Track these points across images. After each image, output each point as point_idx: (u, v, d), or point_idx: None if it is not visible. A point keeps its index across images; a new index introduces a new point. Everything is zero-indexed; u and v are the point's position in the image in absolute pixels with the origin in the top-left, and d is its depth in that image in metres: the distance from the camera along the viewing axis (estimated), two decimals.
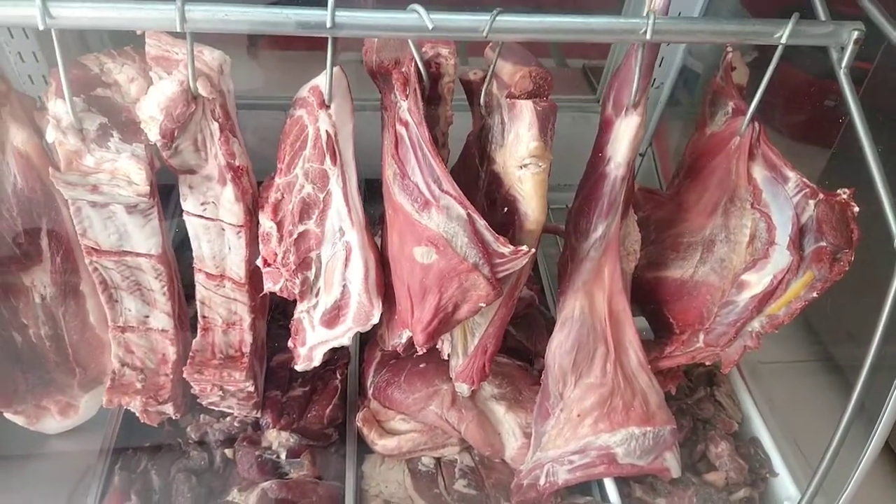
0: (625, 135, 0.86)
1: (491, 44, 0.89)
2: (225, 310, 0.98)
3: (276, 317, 1.21)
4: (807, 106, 1.59)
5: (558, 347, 0.98)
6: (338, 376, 1.16)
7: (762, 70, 0.87)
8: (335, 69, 0.78)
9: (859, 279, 0.85)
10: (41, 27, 0.68)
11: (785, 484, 1.04)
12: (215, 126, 0.79)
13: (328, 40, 0.74)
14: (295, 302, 1.25)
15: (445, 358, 1.08)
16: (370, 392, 1.14)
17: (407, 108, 0.80)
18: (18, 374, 0.98)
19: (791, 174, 0.85)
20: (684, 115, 1.59)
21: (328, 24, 0.71)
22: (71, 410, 1.07)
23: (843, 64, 0.80)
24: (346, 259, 0.89)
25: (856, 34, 0.78)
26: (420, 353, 0.93)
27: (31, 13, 0.67)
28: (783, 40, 0.78)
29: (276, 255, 0.89)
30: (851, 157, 0.82)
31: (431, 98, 0.87)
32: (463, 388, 1.03)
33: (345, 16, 0.71)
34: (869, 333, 0.80)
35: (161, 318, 0.96)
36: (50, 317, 0.94)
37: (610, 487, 1.02)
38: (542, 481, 1.01)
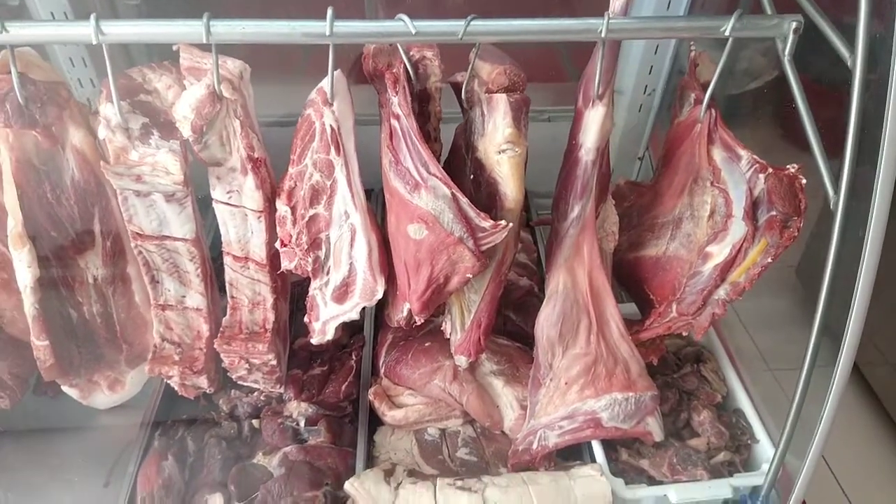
0: (593, 123, 0.97)
1: (474, 48, 1.02)
2: (250, 290, 1.11)
3: (299, 306, 1.34)
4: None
5: (546, 320, 1.08)
6: (353, 357, 1.28)
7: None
8: (336, 72, 0.92)
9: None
10: (94, 42, 0.84)
11: (765, 448, 1.10)
12: (237, 123, 0.94)
13: (329, 47, 0.89)
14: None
15: (448, 337, 1.19)
16: (382, 371, 1.26)
17: (397, 102, 0.93)
18: (74, 349, 1.12)
19: (743, 153, 0.94)
20: None
21: (327, 33, 0.85)
22: (118, 386, 1.21)
23: (787, 52, 0.89)
24: (352, 239, 1.02)
25: (794, 24, 0.88)
26: (418, 322, 1.05)
27: (86, 31, 0.83)
28: (728, 33, 0.88)
29: (290, 236, 1.02)
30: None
31: (422, 97, 1.01)
32: (462, 361, 1.14)
33: (341, 25, 0.85)
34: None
35: (196, 298, 1.10)
36: (101, 296, 1.09)
37: (598, 451, 1.09)
38: (534, 446, 1.10)
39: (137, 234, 1.02)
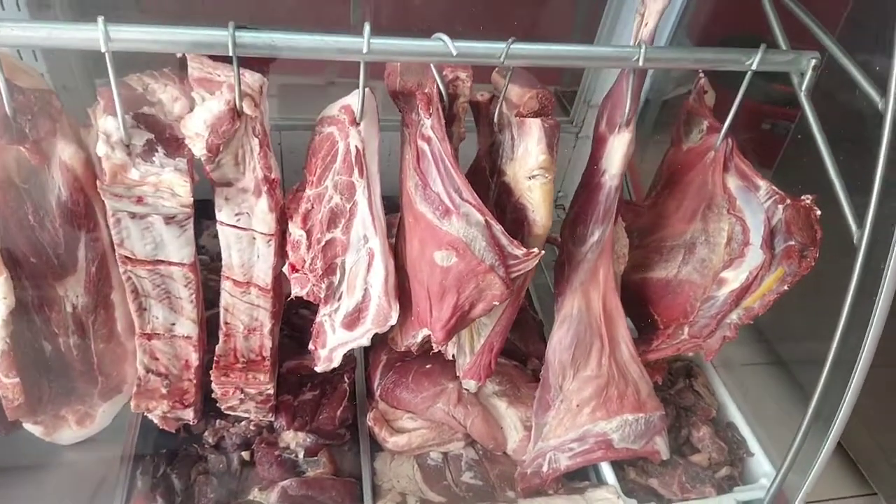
0: (618, 149, 0.97)
1: (499, 69, 0.99)
2: (247, 316, 1.03)
3: (282, 328, 1.27)
4: (747, 129, 1.77)
5: (558, 343, 1.08)
6: (346, 380, 1.22)
7: None
8: (366, 90, 0.87)
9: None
10: (104, 49, 0.74)
11: (760, 462, 1.15)
12: (255, 142, 0.86)
13: (360, 64, 0.83)
14: (297, 311, 1.32)
15: (450, 359, 1.16)
16: (377, 394, 1.21)
17: (430, 125, 0.89)
18: (45, 384, 1.00)
19: (762, 183, 0.97)
20: (644, 136, 1.75)
21: (364, 50, 0.79)
22: (88, 420, 1.10)
23: (804, 87, 0.93)
24: (369, 264, 0.96)
25: (814, 61, 0.91)
26: (437, 350, 1.02)
27: (94, 36, 0.74)
28: (754, 67, 0.90)
29: (304, 261, 0.95)
30: (791, 176, 0.96)
31: (447, 117, 0.96)
32: (470, 385, 1.11)
33: (379, 43, 0.80)
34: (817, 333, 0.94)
35: (187, 325, 1.01)
36: (79, 325, 0.98)
37: (608, 473, 1.10)
38: (545, 468, 1.10)
39: (128, 258, 0.92)
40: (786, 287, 0.97)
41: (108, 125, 0.81)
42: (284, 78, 1.59)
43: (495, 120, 0.95)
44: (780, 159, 1.71)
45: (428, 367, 1.19)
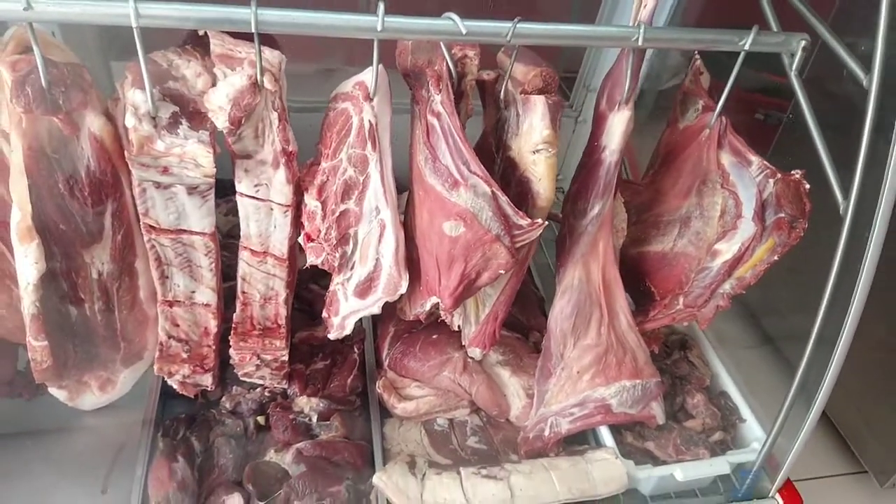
0: (618, 126, 1.01)
1: (505, 49, 1.04)
2: (263, 285, 1.08)
3: (293, 301, 1.32)
4: (741, 118, 1.82)
5: (560, 313, 1.13)
6: (355, 350, 1.27)
7: None
8: (379, 67, 0.91)
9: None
10: (134, 25, 0.79)
11: (752, 427, 1.20)
12: (275, 115, 0.91)
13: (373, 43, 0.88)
14: (307, 286, 1.37)
15: (455, 329, 1.21)
16: (386, 363, 1.26)
17: (440, 100, 0.93)
18: (70, 349, 1.05)
19: (754, 158, 1.02)
20: (640, 121, 1.81)
21: (379, 28, 0.84)
22: (109, 386, 1.15)
23: (794, 67, 0.98)
24: (381, 235, 1.01)
25: (803, 42, 0.96)
26: (445, 317, 1.06)
27: (122, 11, 0.78)
28: (746, 47, 0.95)
29: (319, 231, 1.00)
30: (784, 162, 1.01)
31: (455, 94, 1.01)
32: (476, 353, 1.17)
33: (392, 21, 0.84)
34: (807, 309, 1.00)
35: (206, 293, 1.06)
36: (104, 292, 1.03)
37: (607, 436, 1.16)
38: (546, 433, 1.15)
39: (152, 227, 0.97)
40: (776, 257, 1.02)
41: (137, 98, 0.86)
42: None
43: (501, 97, 1.00)
44: (773, 147, 1.77)
45: (434, 337, 1.25)
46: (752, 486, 1.14)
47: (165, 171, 0.90)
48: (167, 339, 1.08)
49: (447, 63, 0.94)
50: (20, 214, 0.89)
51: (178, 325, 1.08)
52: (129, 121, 0.86)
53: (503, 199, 0.94)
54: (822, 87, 1.16)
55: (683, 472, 1.10)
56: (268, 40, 0.91)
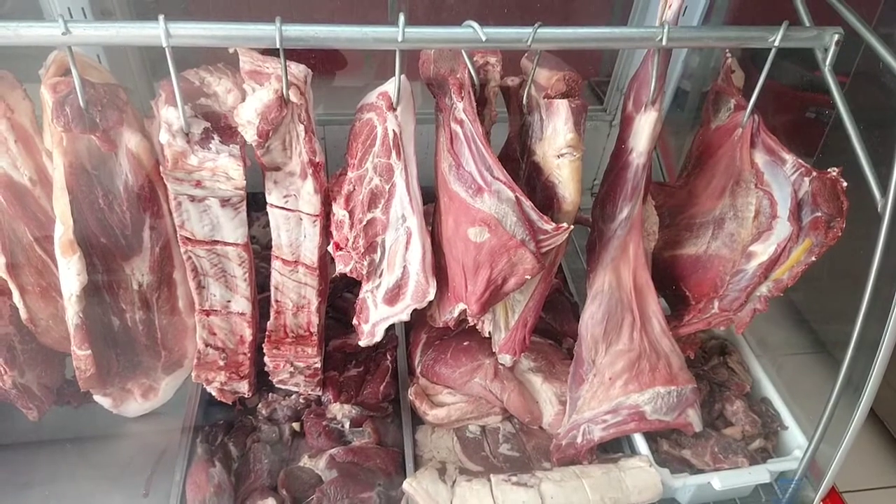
0: (645, 128, 1.00)
1: (527, 54, 1.04)
2: (295, 294, 1.10)
3: (327, 310, 1.34)
4: (789, 117, 1.77)
5: (590, 318, 1.12)
6: (388, 358, 1.28)
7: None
8: (402, 77, 0.93)
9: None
10: (164, 45, 0.82)
11: (794, 435, 1.16)
12: (301, 128, 0.93)
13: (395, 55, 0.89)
14: (341, 294, 1.39)
15: (486, 336, 1.21)
16: (418, 370, 1.27)
17: (462, 108, 0.94)
18: (113, 357, 1.10)
19: (788, 157, 0.99)
20: (683, 124, 1.78)
21: (399, 39, 0.85)
22: (151, 393, 1.19)
23: (828, 62, 0.95)
24: (407, 242, 1.02)
25: (836, 37, 0.93)
26: (472, 323, 1.07)
27: (154, 33, 0.81)
28: (776, 43, 0.93)
29: (347, 240, 1.02)
30: (833, 162, 0.98)
31: (479, 101, 1.02)
32: (506, 359, 1.16)
33: (413, 31, 0.86)
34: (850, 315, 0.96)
35: (241, 303, 1.09)
36: (144, 302, 1.07)
37: (641, 443, 1.14)
38: (579, 440, 1.14)
39: (188, 238, 1.00)
40: (813, 258, 0.99)
41: (170, 115, 0.89)
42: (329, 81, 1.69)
43: (524, 102, 1.00)
44: (822, 144, 1.71)
45: (465, 344, 1.25)
46: (795, 496, 1.10)
47: (199, 184, 0.93)
48: (205, 348, 1.11)
49: (469, 71, 0.95)
50: (62, 228, 0.93)
51: (214, 334, 1.11)
52: (163, 137, 0.90)
53: (527, 204, 0.94)
54: (868, 82, 1.12)
55: (722, 481, 1.07)
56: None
